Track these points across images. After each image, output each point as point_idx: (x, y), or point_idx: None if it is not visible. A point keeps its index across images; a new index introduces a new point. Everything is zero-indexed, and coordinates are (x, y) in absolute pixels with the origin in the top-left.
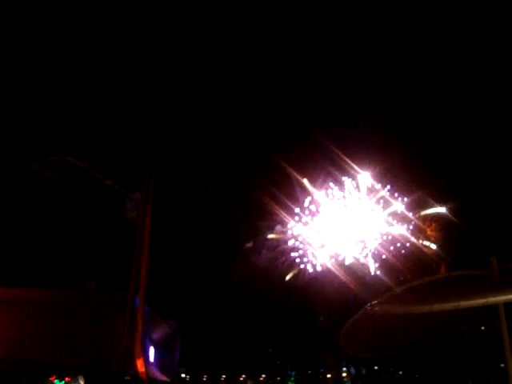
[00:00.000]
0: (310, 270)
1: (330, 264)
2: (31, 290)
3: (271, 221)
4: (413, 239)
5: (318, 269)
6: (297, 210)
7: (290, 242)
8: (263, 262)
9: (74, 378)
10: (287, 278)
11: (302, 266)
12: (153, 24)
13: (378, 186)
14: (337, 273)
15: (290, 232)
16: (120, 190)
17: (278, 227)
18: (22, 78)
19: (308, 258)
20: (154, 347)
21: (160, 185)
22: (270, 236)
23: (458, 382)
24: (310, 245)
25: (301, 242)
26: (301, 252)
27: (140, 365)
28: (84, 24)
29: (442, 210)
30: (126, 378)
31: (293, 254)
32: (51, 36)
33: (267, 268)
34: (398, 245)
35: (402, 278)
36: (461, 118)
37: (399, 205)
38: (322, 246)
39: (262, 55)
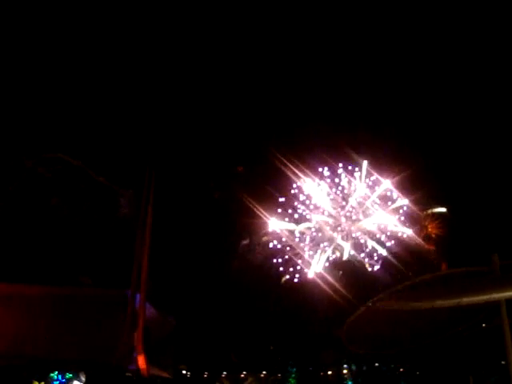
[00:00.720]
0: (296, 280)
1: (328, 264)
2: (32, 286)
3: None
4: (414, 236)
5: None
6: (282, 199)
7: (271, 245)
8: (259, 259)
9: (76, 373)
10: (282, 280)
11: (288, 277)
12: (154, 19)
13: (381, 184)
14: (329, 278)
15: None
16: (112, 187)
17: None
18: (15, 74)
19: (295, 265)
20: (155, 344)
21: (159, 182)
22: (265, 238)
23: (459, 379)
24: (301, 252)
25: (285, 246)
26: (287, 257)
27: (141, 361)
28: (80, 20)
29: (442, 209)
30: (127, 374)
31: (280, 260)
32: (44, 32)
33: (263, 266)
34: (400, 242)
35: (399, 277)
36: (462, 117)
37: (401, 201)
38: (311, 256)
39: (265, 53)
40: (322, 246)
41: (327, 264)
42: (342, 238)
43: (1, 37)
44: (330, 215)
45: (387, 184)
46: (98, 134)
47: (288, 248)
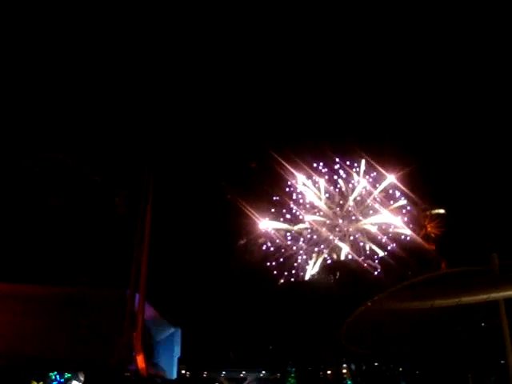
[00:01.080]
0: (294, 281)
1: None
2: (32, 286)
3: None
4: (414, 236)
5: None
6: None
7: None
8: (257, 260)
9: (75, 373)
10: (280, 281)
11: (285, 279)
12: (155, 18)
13: (380, 184)
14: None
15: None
16: (108, 186)
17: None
18: (12, 74)
19: (294, 266)
20: (154, 344)
21: (158, 182)
22: (262, 239)
23: (458, 378)
24: (297, 253)
25: (282, 247)
26: (285, 258)
27: (140, 361)
28: (77, 19)
29: (441, 210)
30: (126, 374)
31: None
32: (41, 32)
33: (261, 266)
34: (399, 241)
35: (399, 277)
36: (462, 119)
37: (402, 201)
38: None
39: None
40: (317, 249)
41: (325, 265)
42: (340, 239)
43: None
44: (327, 215)
45: (391, 179)
46: (98, 132)
47: (283, 250)
